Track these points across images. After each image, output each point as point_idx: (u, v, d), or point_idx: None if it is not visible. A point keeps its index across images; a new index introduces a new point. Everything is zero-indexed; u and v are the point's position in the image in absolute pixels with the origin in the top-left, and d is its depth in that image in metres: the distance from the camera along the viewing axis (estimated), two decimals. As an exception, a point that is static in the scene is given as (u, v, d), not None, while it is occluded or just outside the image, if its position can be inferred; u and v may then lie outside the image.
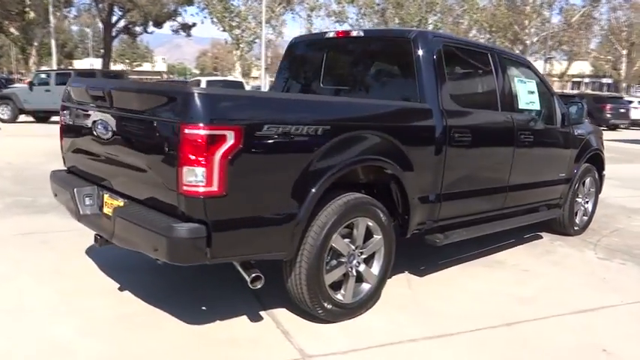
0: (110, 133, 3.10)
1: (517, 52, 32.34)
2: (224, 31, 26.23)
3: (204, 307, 3.55)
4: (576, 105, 5.19)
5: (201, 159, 2.56)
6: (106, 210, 3.33)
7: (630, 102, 27.00)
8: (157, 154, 2.78)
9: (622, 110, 25.10)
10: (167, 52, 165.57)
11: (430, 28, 26.03)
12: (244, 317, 3.40)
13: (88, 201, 3.42)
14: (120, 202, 3.17)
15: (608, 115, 24.51)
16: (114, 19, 36.32)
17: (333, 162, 3.06)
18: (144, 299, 3.60)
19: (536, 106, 4.92)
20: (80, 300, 3.55)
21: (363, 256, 3.43)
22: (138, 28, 39.57)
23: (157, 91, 2.86)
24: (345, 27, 28.35)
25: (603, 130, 21.83)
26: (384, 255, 3.53)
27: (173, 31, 39.68)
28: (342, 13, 27.07)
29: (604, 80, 60.54)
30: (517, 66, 4.84)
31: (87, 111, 3.39)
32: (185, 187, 2.60)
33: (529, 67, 5.07)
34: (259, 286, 2.98)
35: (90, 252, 4.53)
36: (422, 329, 3.35)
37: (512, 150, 4.46)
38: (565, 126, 5.21)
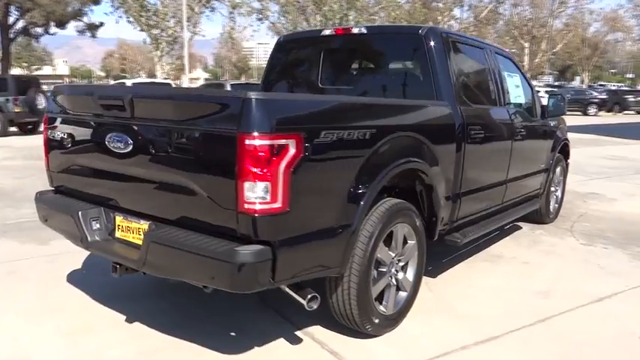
0: (130, 147, 2.70)
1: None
2: (142, 30, 24.98)
3: (233, 334, 3.22)
4: (556, 97, 5.33)
5: (264, 172, 2.28)
6: (120, 234, 2.93)
7: (538, 91, 28.94)
8: (203, 168, 2.45)
9: (532, 100, 26.80)
10: (66, 54, 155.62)
11: (352, 24, 26.30)
12: (282, 340, 3.13)
13: (95, 225, 2.99)
14: (142, 225, 2.78)
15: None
16: (11, 19, 33.39)
17: (381, 167, 2.88)
18: (160, 330, 3.22)
19: (522, 100, 5.00)
20: (88, 338, 3.10)
21: (401, 264, 3.27)
22: (39, 29, 36.69)
23: (203, 97, 2.51)
24: (267, 24, 28.06)
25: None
26: (418, 260, 3.39)
27: (78, 31, 37.19)
28: (265, 10, 26.72)
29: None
30: (504, 61, 4.88)
31: (93, 122, 2.95)
32: (247, 205, 2.30)
33: (512, 60, 5.13)
34: (315, 307, 2.73)
35: (72, 280, 4.02)
36: (465, 334, 3.25)
37: (510, 144, 4.49)
38: (544, 118, 5.34)
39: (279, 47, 4.55)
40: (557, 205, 6.21)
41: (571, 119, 26.00)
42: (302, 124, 2.43)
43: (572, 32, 42.72)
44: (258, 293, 3.45)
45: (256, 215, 2.31)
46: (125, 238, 2.90)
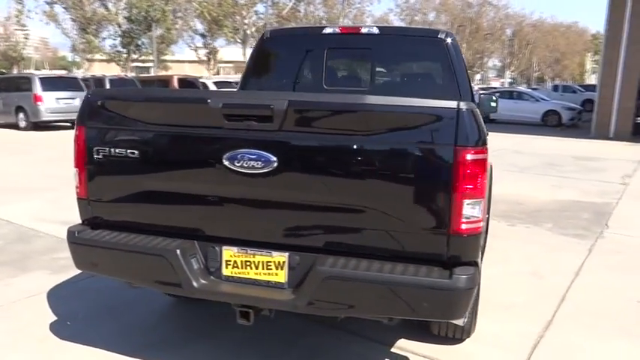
0: (274, 166, 2.22)
1: (238, 41, 33.66)
2: None
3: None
4: (490, 97, 5.86)
5: (479, 188, 2.12)
6: (232, 271, 2.40)
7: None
8: (397, 188, 2.16)
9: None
10: None
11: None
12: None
13: (194, 264, 2.40)
14: (276, 257, 2.34)
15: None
16: None
17: None
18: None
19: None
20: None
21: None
22: None
23: (405, 106, 2.16)
24: (59, 9, 24.75)
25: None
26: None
27: None
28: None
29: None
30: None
31: (201, 136, 2.34)
32: (464, 225, 2.12)
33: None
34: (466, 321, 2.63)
35: (67, 336, 3.15)
36: (527, 324, 3.44)
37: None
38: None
39: (266, 43, 4.14)
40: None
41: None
42: (485, 133, 2.31)
43: (359, 31, 47.00)
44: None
45: (470, 235, 2.14)
46: (243, 276, 2.39)
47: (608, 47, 16.61)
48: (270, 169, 2.23)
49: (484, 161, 2.14)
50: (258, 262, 2.37)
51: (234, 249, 2.40)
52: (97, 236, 2.50)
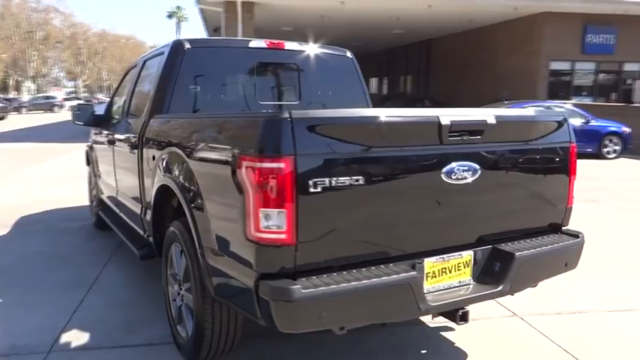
0: (478, 174, 2.50)
1: None
2: None
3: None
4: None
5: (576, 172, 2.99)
6: (432, 282, 2.52)
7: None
8: (543, 178, 2.84)
9: None
10: None
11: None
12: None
13: (414, 284, 2.40)
14: (464, 257, 2.60)
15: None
16: None
17: None
18: None
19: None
20: None
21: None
22: None
23: (550, 116, 2.73)
24: None
25: None
26: None
27: None
28: None
29: None
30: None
31: (424, 155, 2.37)
32: (573, 199, 2.95)
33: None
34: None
35: None
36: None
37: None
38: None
39: (188, 55, 3.65)
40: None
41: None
42: None
43: None
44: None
45: (571, 206, 2.99)
46: (440, 283, 2.52)
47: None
48: (476, 177, 2.51)
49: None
50: (452, 265, 2.56)
51: (433, 259, 2.51)
52: (323, 286, 2.10)
